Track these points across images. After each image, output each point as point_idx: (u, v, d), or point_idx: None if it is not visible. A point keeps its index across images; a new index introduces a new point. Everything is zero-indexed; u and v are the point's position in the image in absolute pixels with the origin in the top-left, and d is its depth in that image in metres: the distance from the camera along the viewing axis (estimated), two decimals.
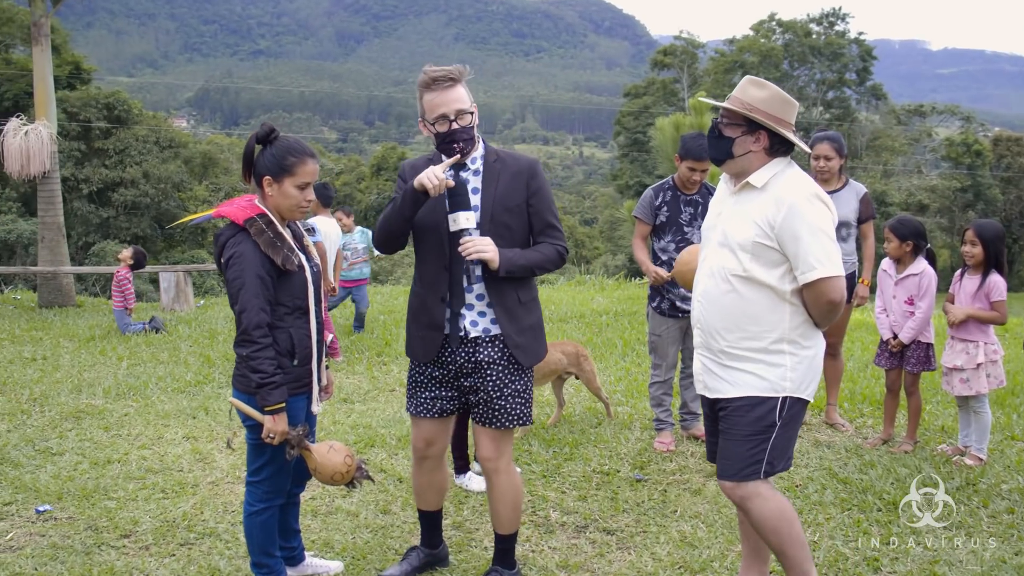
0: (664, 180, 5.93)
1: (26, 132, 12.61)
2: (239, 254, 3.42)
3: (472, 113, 3.66)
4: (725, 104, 3.48)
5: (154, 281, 22.06)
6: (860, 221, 6.18)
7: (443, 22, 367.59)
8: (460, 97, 3.63)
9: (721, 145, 3.49)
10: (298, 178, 3.54)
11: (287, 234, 3.61)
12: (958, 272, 5.73)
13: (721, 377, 3.50)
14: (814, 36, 55.94)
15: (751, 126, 3.43)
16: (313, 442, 3.71)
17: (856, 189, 6.17)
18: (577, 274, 19.25)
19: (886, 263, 5.98)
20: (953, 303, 5.67)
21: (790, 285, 3.36)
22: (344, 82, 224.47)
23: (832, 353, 6.47)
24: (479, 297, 3.72)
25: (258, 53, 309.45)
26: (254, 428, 3.55)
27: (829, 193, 6.09)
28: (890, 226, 5.85)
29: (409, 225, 3.66)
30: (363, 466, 3.70)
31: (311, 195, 3.61)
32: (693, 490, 5.20)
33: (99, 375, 8.12)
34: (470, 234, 3.62)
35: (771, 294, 3.38)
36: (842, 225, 6.08)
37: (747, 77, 3.50)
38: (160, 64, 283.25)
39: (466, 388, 3.79)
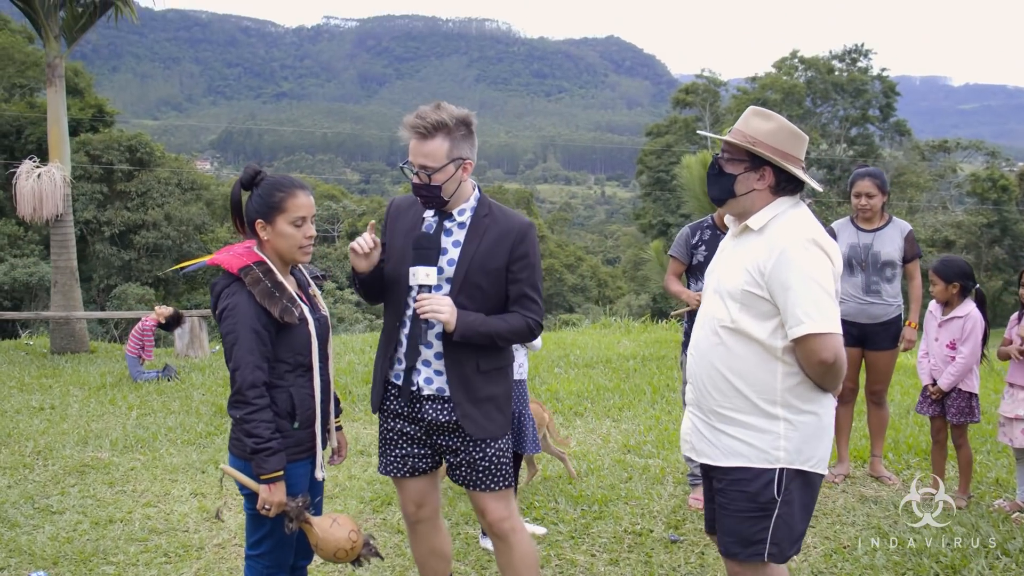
0: (703, 219, 5.58)
1: (39, 175, 12.46)
2: (232, 306, 3.10)
3: (439, 170, 3.27)
4: (726, 137, 3.11)
5: None
6: (905, 260, 5.84)
7: (464, 63, 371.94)
8: (429, 152, 3.26)
9: (722, 183, 3.11)
10: (290, 213, 3.22)
11: (289, 283, 3.30)
12: (1015, 315, 5.37)
13: (709, 440, 3.13)
14: (837, 73, 55.58)
15: (755, 161, 3.06)
16: (317, 513, 3.36)
17: (900, 227, 5.84)
18: (602, 315, 18.91)
19: (933, 305, 5.64)
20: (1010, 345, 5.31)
21: (782, 341, 2.97)
22: (366, 123, 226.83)
23: (876, 401, 6.12)
24: (437, 356, 3.42)
25: (281, 95, 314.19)
26: (251, 497, 3.21)
27: (871, 231, 5.79)
28: (934, 268, 5.51)
29: (376, 282, 3.50)
30: (371, 542, 3.34)
31: (311, 231, 3.28)
32: None
33: (107, 426, 7.83)
34: (429, 291, 3.32)
35: (760, 350, 3.00)
36: (886, 265, 5.76)
37: (751, 108, 3.15)
38: (184, 107, 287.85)
39: (442, 447, 3.50)
